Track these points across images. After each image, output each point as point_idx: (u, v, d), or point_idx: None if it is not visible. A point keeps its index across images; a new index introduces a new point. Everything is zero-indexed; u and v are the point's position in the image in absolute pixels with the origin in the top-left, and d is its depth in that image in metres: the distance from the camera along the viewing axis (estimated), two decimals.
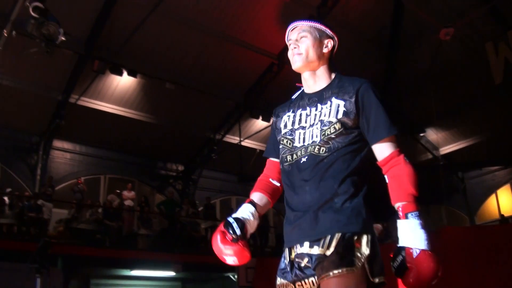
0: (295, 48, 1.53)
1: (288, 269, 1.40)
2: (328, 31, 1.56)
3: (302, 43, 1.52)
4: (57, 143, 10.24)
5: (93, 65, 8.77)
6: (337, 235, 1.32)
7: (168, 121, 10.82)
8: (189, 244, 9.95)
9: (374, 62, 10.90)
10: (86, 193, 9.71)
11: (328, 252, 1.29)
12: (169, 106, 10.45)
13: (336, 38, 1.58)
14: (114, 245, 9.11)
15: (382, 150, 1.42)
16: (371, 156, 1.47)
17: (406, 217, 1.31)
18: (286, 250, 1.43)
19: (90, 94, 9.52)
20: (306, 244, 1.34)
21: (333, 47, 1.56)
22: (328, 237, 1.31)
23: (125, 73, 9.11)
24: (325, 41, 1.54)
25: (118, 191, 10.07)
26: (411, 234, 1.30)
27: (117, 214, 9.68)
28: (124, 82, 9.63)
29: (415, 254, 1.27)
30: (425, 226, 1.31)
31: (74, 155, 10.51)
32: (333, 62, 1.58)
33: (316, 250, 1.31)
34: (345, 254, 1.29)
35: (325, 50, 1.54)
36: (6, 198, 8.31)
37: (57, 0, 6.68)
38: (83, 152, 10.67)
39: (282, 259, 1.46)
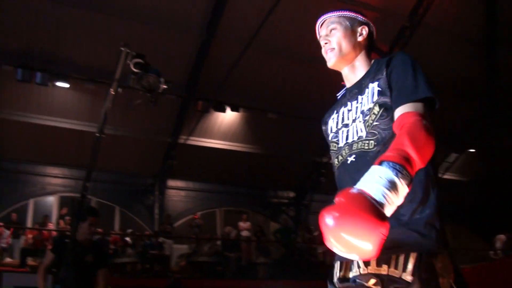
0: (326, 43, 1.39)
1: None
2: (360, 17, 1.41)
3: (332, 36, 1.38)
4: (171, 182, 11.13)
5: (197, 105, 9.48)
6: (413, 255, 1.08)
7: (274, 150, 11.08)
8: (308, 269, 9.86)
9: (474, 63, 10.61)
10: (203, 227, 10.32)
11: (408, 277, 1.05)
12: (273, 135, 10.74)
13: (371, 24, 1.42)
14: (234, 276, 9.42)
15: (397, 114, 1.15)
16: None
17: (380, 164, 0.95)
18: (337, 265, 1.22)
19: (197, 133, 10.25)
20: (373, 262, 1.09)
21: (370, 33, 1.40)
22: (402, 257, 1.08)
23: (228, 109, 9.62)
24: (358, 29, 1.39)
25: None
26: (368, 177, 0.94)
27: (235, 245, 10.06)
28: (228, 117, 10.16)
29: (348, 192, 0.89)
30: (400, 187, 0.92)
31: (188, 192, 11.29)
32: (372, 50, 1.43)
33: (388, 270, 1.08)
34: (429, 281, 1.06)
35: (360, 39, 1.38)
36: (128, 239, 9.09)
37: (155, 51, 7.52)
38: (197, 188, 11.39)
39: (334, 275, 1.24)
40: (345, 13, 1.40)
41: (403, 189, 0.93)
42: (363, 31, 1.39)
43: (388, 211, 0.90)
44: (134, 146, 10.22)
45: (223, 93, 9.51)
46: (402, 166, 0.94)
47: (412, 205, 1.13)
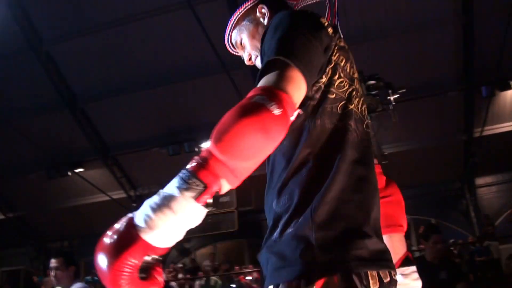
0: (248, 60, 1.27)
1: None
2: (249, 3, 1.24)
3: (245, 48, 1.26)
4: (479, 180, 10.82)
5: (480, 92, 9.31)
6: None
7: None
8: None
9: None
10: None
11: None
12: None
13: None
14: None
15: None
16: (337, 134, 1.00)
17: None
18: None
19: (490, 120, 9.74)
20: None
21: (269, 8, 1.22)
22: None
23: None
24: (258, 15, 1.24)
25: None
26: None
27: None
28: None
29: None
30: (175, 204, 0.76)
31: (499, 185, 10.68)
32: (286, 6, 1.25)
33: None
34: None
35: (266, 21, 1.21)
36: (453, 249, 9.06)
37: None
38: (507, 179, 10.64)
39: None
40: (236, 14, 1.25)
41: (184, 205, 0.76)
42: (263, 10, 1.22)
43: (150, 237, 0.75)
44: (429, 154, 10.42)
45: (502, 70, 8.97)
46: (189, 173, 0.78)
47: (285, 217, 0.92)
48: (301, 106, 0.95)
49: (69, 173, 10.51)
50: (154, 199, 0.78)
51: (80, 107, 9.84)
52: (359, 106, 1.07)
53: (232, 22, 1.25)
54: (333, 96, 1.00)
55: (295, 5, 1.30)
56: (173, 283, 11.22)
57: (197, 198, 0.76)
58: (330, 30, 1.05)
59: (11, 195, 12.41)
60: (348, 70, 1.06)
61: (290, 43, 0.91)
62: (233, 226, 10.50)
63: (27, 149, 10.50)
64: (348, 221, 0.91)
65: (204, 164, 0.78)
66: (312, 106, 0.99)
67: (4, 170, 11.07)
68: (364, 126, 1.06)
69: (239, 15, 1.25)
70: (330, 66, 1.01)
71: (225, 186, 0.82)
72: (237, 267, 10.77)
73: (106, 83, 9.50)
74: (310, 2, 1.31)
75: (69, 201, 12.30)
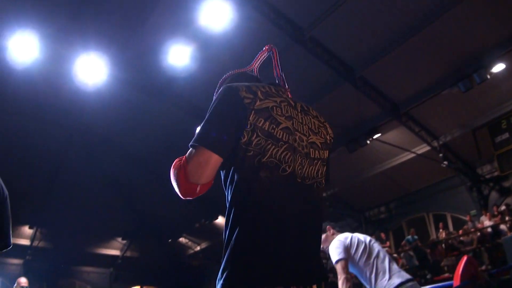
0: None
1: None
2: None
3: None
4: None
5: None
6: None
7: None
8: None
9: None
10: None
11: None
12: None
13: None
14: None
15: None
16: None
17: None
18: None
19: None
20: None
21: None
22: None
23: None
24: None
25: None
26: None
27: None
28: None
29: None
30: None
31: None
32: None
33: None
34: None
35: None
36: None
37: None
38: None
39: None
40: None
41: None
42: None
43: None
44: None
45: None
46: None
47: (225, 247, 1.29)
48: (227, 161, 1.32)
49: (368, 142, 11.24)
50: None
51: (358, 75, 10.35)
52: (282, 155, 1.31)
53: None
54: (251, 153, 1.29)
55: (253, 69, 1.67)
56: (502, 226, 10.51)
57: None
58: (247, 99, 1.33)
59: None
60: (266, 128, 1.32)
61: (205, 130, 1.31)
62: None
63: None
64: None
65: None
66: (237, 161, 1.29)
67: None
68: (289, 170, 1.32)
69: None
70: (249, 129, 1.30)
71: None
72: None
73: (374, 44, 9.73)
74: (259, 63, 1.66)
75: (374, 168, 13.18)
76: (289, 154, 1.31)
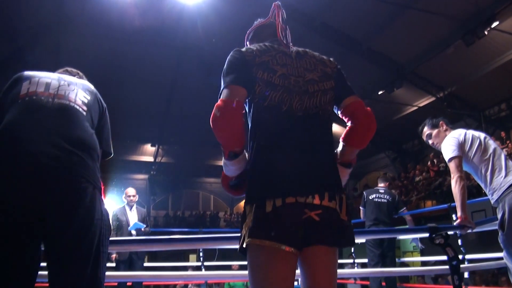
0: None
1: None
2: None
3: None
4: None
5: None
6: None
7: None
8: None
9: None
10: None
11: None
12: None
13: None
14: None
15: None
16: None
17: None
18: None
19: None
20: None
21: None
22: None
23: None
24: None
25: None
26: None
27: None
28: None
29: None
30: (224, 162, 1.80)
31: None
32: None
33: None
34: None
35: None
36: None
37: None
38: None
39: None
40: None
41: (225, 163, 1.74)
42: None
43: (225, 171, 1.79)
44: None
45: None
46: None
47: None
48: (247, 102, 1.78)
49: (485, 32, 11.14)
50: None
51: None
52: (280, 98, 1.70)
53: None
54: (256, 100, 1.71)
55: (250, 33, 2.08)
56: None
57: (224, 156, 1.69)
58: (248, 57, 1.75)
59: (435, 76, 14.42)
60: (265, 78, 1.70)
61: (226, 77, 1.73)
62: None
63: (439, 26, 11.96)
64: None
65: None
66: (249, 108, 1.75)
67: (425, 50, 13.01)
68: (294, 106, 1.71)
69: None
70: (255, 83, 1.69)
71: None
72: None
73: None
74: (260, 24, 2.03)
75: (493, 62, 12.92)
76: (285, 95, 1.70)
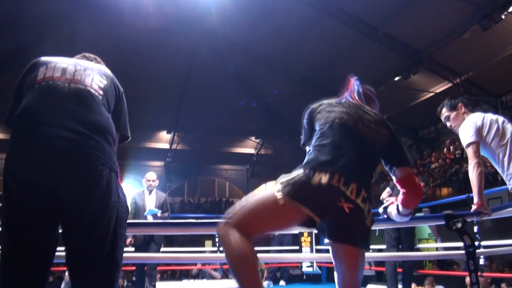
0: None
1: None
2: None
3: None
4: None
5: None
6: None
7: None
8: None
9: None
10: None
11: None
12: None
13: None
14: None
15: None
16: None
17: None
18: None
19: None
20: None
21: None
22: None
23: None
24: None
25: None
26: None
27: None
28: None
29: None
30: None
31: None
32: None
33: None
34: None
35: None
36: None
37: None
38: None
39: None
40: None
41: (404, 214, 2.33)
42: None
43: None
44: None
45: None
46: None
47: None
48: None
49: (502, 16, 10.91)
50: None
51: None
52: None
53: None
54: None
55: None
56: None
57: None
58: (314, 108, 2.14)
59: (451, 62, 14.21)
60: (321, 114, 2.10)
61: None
62: None
63: (455, 10, 11.76)
64: None
65: None
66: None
67: (441, 35, 12.82)
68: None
69: None
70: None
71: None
72: None
73: None
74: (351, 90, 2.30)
75: (510, 47, 12.73)
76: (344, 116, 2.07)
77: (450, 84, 14.77)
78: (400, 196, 2.17)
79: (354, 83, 2.26)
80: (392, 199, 2.44)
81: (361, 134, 1.96)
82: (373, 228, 1.99)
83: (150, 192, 5.86)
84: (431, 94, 15.53)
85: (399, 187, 2.09)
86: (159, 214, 5.69)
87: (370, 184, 1.92)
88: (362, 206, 1.78)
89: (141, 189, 5.96)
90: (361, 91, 2.23)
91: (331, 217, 1.77)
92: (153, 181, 5.88)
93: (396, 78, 14.42)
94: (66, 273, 8.17)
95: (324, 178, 1.75)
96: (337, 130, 1.96)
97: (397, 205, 2.27)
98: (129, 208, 5.49)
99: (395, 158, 2.05)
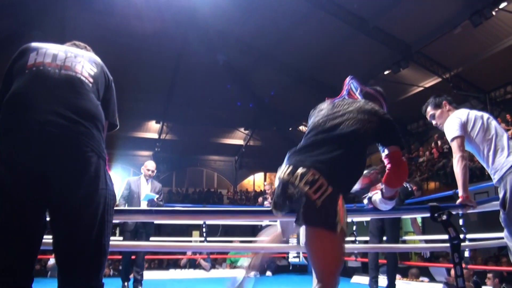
0: None
1: None
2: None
3: None
4: None
5: None
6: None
7: None
8: None
9: None
10: None
11: None
12: None
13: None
14: None
15: None
16: None
17: None
18: None
19: None
20: None
21: None
22: None
23: None
24: None
25: None
26: None
27: None
28: None
29: None
30: None
31: None
32: None
33: None
34: None
35: None
36: None
37: None
38: None
39: None
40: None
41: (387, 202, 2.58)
42: None
43: None
44: None
45: None
46: None
47: None
48: None
49: (493, 13, 10.99)
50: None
51: None
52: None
53: None
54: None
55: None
56: None
57: None
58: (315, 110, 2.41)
59: (441, 57, 14.30)
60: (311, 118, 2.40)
61: None
62: None
63: (446, 6, 11.81)
64: None
65: None
66: None
67: (432, 30, 12.86)
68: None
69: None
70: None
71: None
72: None
73: None
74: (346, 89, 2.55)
75: (500, 43, 12.79)
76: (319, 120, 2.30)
77: (439, 79, 14.86)
78: (386, 174, 2.27)
79: (348, 82, 2.48)
80: (377, 190, 2.50)
81: (331, 125, 2.20)
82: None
83: (147, 181, 5.88)
84: (421, 88, 15.63)
85: (386, 163, 2.23)
86: (155, 199, 5.71)
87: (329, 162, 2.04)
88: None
89: (137, 176, 5.99)
90: (360, 88, 2.47)
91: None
92: (152, 171, 5.91)
93: (386, 72, 14.47)
94: (50, 261, 8.19)
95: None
96: (309, 132, 2.32)
97: (381, 189, 2.44)
98: (125, 192, 5.51)
99: (385, 140, 2.22)
